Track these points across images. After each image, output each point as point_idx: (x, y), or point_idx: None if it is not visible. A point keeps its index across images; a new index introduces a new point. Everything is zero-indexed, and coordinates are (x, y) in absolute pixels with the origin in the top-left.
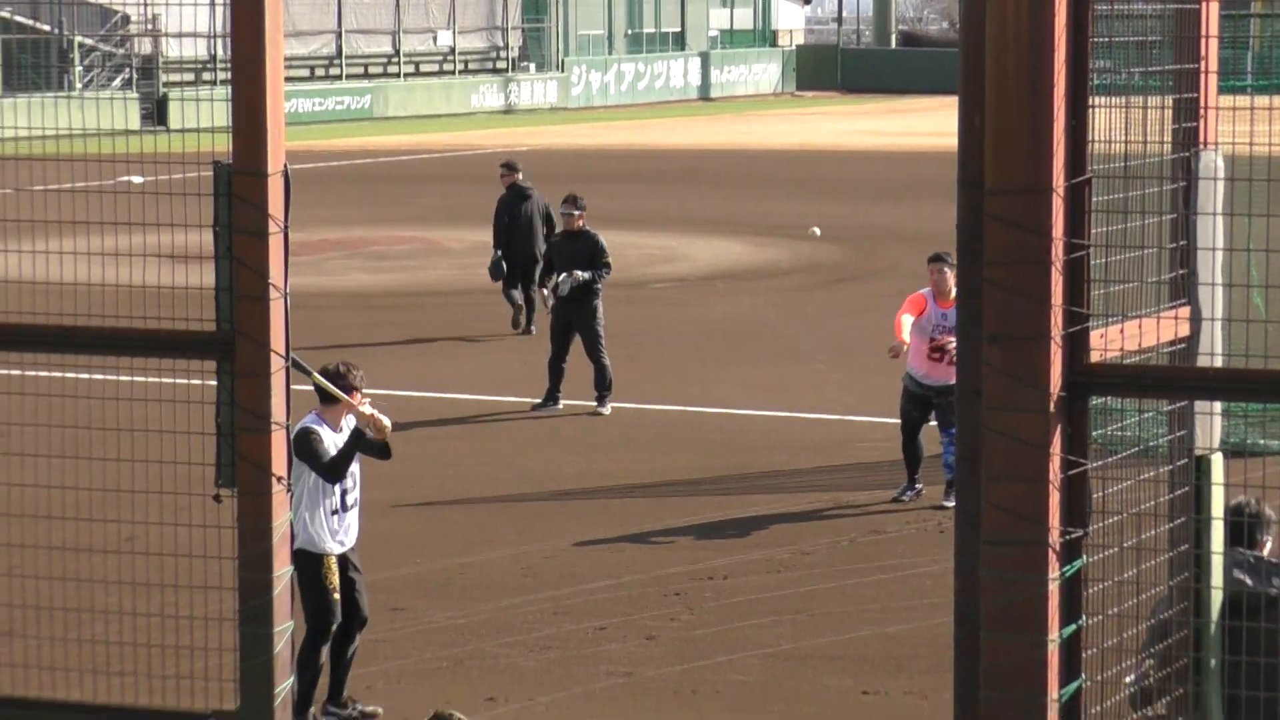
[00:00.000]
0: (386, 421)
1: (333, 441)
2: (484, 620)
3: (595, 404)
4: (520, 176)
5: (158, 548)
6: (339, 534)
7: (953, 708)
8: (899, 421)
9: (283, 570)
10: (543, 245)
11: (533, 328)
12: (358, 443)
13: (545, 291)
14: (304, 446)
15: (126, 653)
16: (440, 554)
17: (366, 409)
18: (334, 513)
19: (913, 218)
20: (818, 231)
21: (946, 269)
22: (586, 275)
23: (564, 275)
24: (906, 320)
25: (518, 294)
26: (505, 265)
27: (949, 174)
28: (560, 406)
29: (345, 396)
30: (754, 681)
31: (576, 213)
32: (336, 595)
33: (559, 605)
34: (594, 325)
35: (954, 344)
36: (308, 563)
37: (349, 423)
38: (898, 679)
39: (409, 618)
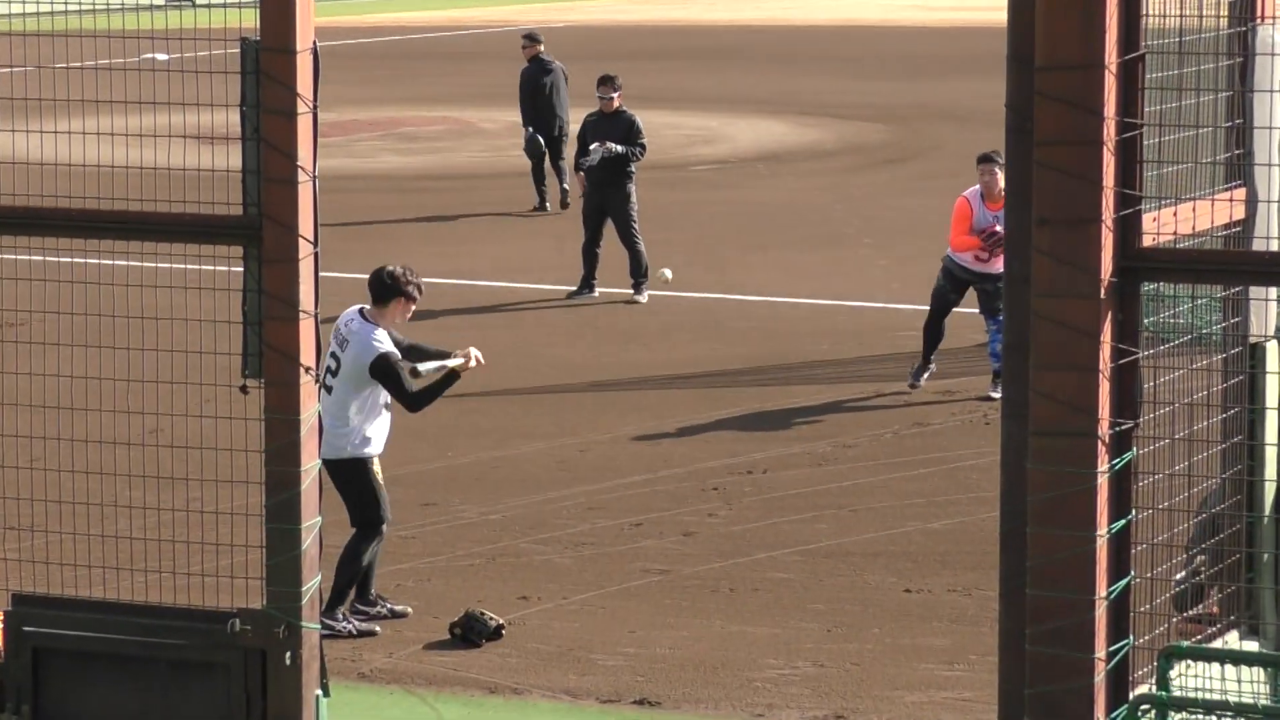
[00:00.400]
0: (482, 359)
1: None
2: (517, 516)
3: (631, 291)
4: (543, 49)
5: (182, 440)
6: (385, 434)
7: (998, 605)
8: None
9: (311, 464)
10: (566, 119)
11: (567, 202)
12: (448, 382)
13: (581, 174)
14: (389, 371)
15: (150, 549)
16: (472, 447)
17: (465, 358)
18: (380, 416)
19: (961, 95)
20: (668, 274)
21: (997, 169)
22: (620, 149)
23: (595, 144)
24: (966, 241)
25: (546, 185)
26: (541, 140)
27: (999, 49)
28: (596, 294)
29: (451, 364)
30: (794, 579)
31: (614, 94)
32: (385, 493)
33: (594, 501)
34: (627, 209)
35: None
36: (361, 468)
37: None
38: (941, 576)
39: (440, 513)
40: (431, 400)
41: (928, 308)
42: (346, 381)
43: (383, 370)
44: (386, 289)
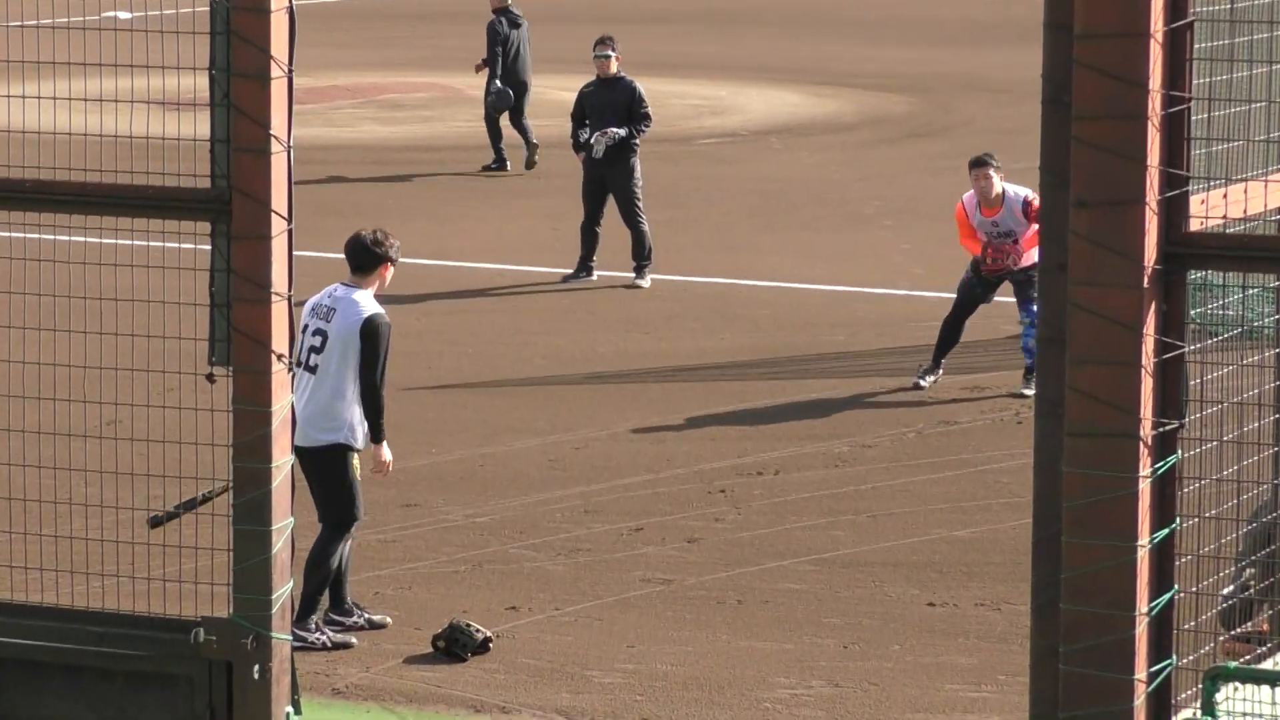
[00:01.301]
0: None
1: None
2: (506, 519)
3: (633, 275)
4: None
5: (143, 433)
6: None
7: (1029, 621)
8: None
9: (283, 460)
10: (530, 80)
11: (534, 160)
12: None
13: (581, 155)
14: (378, 335)
15: (108, 551)
16: (458, 444)
17: (386, 455)
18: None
19: (992, 65)
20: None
21: (992, 172)
22: (622, 132)
23: (597, 135)
24: (971, 244)
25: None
26: (511, 95)
27: (1034, 15)
28: (594, 278)
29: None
30: (807, 590)
31: (611, 54)
32: (360, 490)
33: (590, 503)
34: (630, 186)
35: (1013, 257)
36: (343, 458)
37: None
38: (968, 588)
39: (422, 515)
40: (379, 400)
41: (953, 295)
42: (337, 355)
43: (374, 331)
44: (372, 255)
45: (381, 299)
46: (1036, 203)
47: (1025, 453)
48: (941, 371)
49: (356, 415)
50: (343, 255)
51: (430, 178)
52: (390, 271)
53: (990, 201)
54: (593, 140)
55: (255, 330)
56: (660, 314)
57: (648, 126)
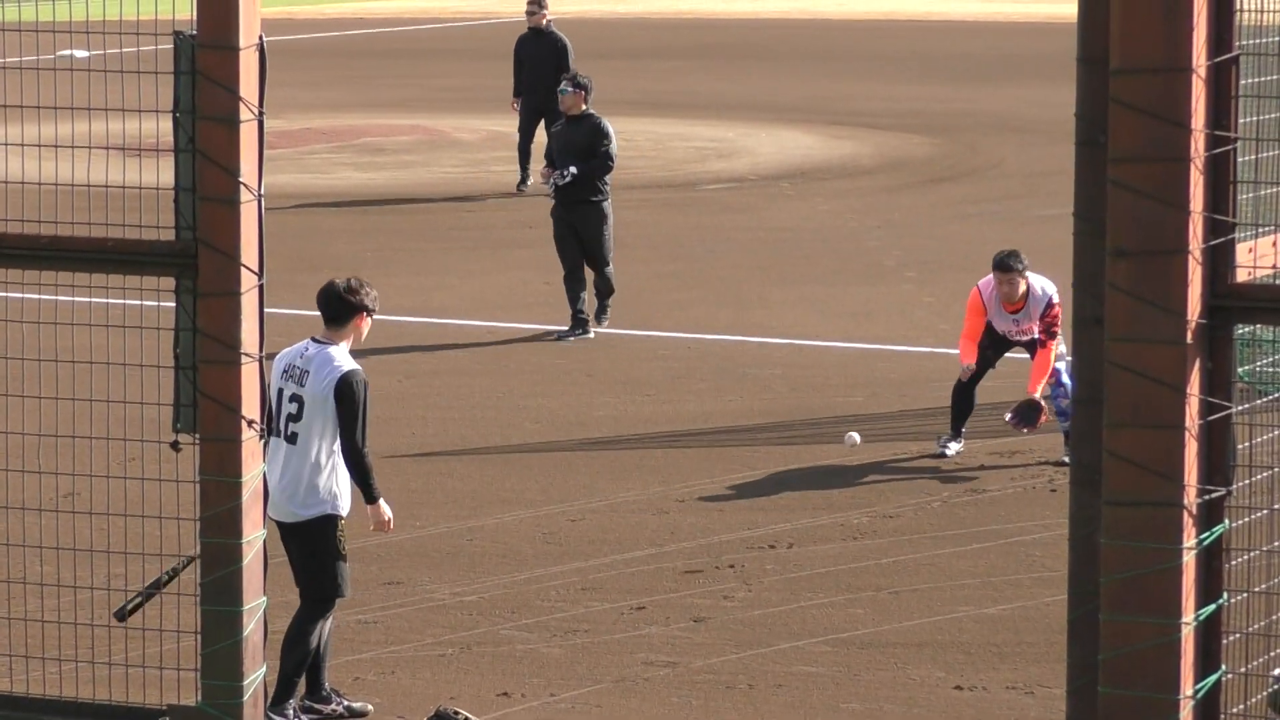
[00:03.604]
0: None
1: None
2: (497, 597)
3: (597, 315)
4: (547, 18)
5: (103, 506)
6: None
7: (1065, 706)
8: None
9: (254, 534)
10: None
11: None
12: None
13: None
14: (354, 392)
15: (65, 634)
16: (444, 516)
17: (386, 515)
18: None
19: (1023, 103)
20: (856, 439)
21: (1018, 279)
22: (574, 170)
23: (553, 174)
24: (969, 346)
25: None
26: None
27: (1067, 49)
28: (591, 335)
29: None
30: (824, 673)
31: (571, 90)
32: (347, 564)
33: (588, 580)
34: (601, 233)
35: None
36: (331, 530)
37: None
38: (999, 670)
39: (406, 593)
40: (366, 462)
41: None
42: (314, 421)
43: (349, 391)
44: (347, 306)
45: (359, 356)
46: (1059, 308)
47: (1060, 523)
48: (963, 441)
49: (339, 481)
50: (316, 315)
51: (414, 228)
52: (367, 323)
53: (1014, 300)
54: (550, 181)
55: (223, 394)
56: (663, 374)
57: (606, 167)
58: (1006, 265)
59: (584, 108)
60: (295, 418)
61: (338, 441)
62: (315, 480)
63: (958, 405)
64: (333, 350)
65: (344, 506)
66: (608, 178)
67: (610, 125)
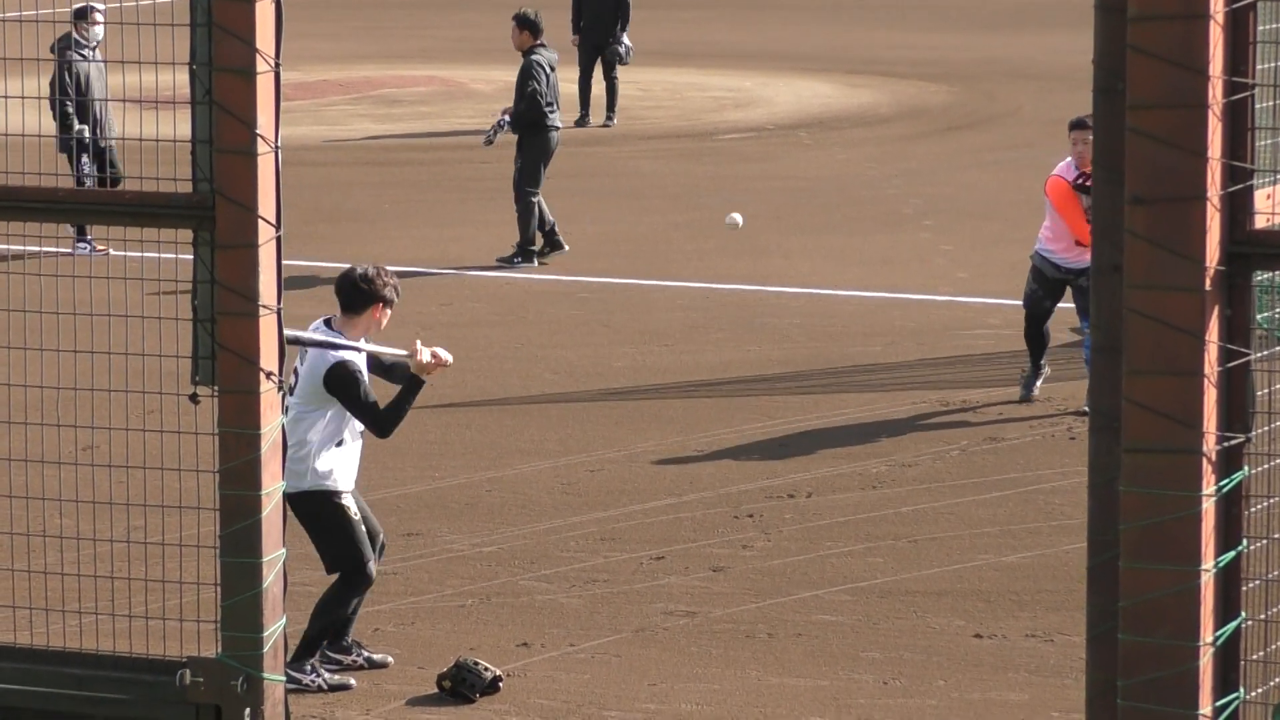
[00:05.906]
0: (448, 357)
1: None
2: (516, 548)
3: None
4: None
5: (122, 459)
6: (353, 466)
7: (1084, 653)
8: (1021, 307)
9: (273, 486)
10: (613, 32)
11: (612, 118)
12: (413, 393)
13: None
14: (350, 390)
15: (84, 587)
16: (463, 467)
17: (426, 356)
18: (346, 444)
19: (1041, 50)
20: (739, 219)
21: (1092, 136)
22: (506, 119)
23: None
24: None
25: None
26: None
27: None
28: (535, 264)
29: (409, 358)
30: (843, 622)
31: (514, 24)
32: (364, 529)
33: (607, 530)
34: (517, 166)
35: None
36: (324, 503)
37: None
38: (1018, 618)
39: (425, 545)
40: (400, 418)
41: (1000, 301)
42: (303, 400)
43: (340, 381)
44: (361, 294)
45: None
46: None
47: (1079, 471)
48: (1047, 370)
49: (329, 457)
50: (335, 267)
51: (430, 179)
52: (385, 315)
53: (1088, 161)
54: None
55: (242, 346)
56: (681, 325)
57: (520, 108)
58: (1081, 121)
59: (530, 44)
60: (291, 390)
61: (325, 418)
62: (300, 454)
63: (1031, 344)
64: (334, 337)
65: (337, 482)
66: (506, 120)
67: (539, 61)
